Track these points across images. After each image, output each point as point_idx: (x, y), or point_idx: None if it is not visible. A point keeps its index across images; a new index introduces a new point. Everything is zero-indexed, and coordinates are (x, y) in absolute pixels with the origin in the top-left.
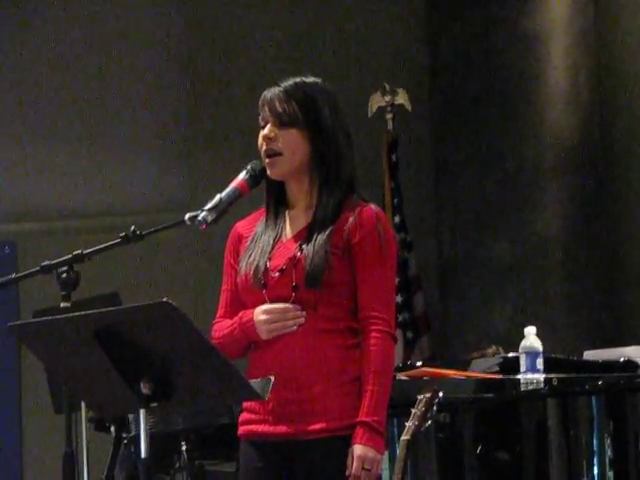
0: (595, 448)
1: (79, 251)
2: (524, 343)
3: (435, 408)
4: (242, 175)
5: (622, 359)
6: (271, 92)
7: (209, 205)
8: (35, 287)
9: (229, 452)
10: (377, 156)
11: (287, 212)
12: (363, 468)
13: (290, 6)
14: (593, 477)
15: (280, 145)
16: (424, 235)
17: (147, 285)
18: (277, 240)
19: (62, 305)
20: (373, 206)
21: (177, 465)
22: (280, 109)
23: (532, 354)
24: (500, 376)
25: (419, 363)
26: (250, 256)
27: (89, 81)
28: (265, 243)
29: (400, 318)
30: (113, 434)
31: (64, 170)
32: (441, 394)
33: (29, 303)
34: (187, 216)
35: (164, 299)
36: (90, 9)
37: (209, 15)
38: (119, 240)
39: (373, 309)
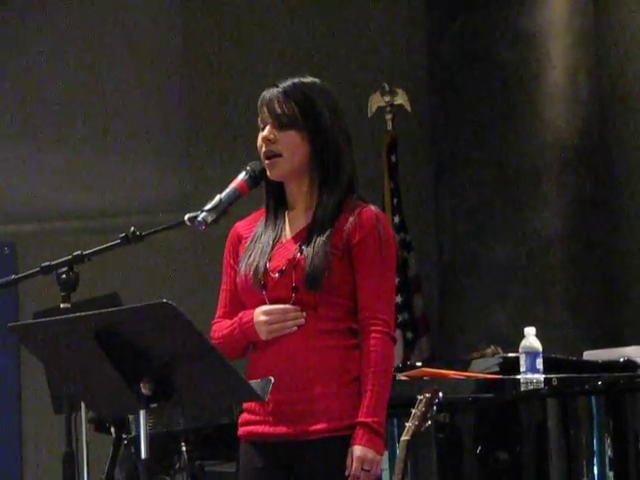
0: (595, 448)
1: (79, 252)
2: (524, 343)
3: (435, 408)
4: (242, 176)
5: (622, 359)
6: (270, 93)
7: (209, 206)
8: (35, 288)
9: (229, 452)
10: (377, 156)
11: (286, 213)
12: (362, 469)
13: (290, 7)
14: (593, 477)
15: (279, 147)
16: (424, 235)
17: (147, 286)
18: (277, 241)
19: (62, 306)
20: (373, 207)
21: (177, 466)
22: (279, 110)
23: (532, 354)
24: (500, 376)
25: (419, 363)
26: (250, 257)
27: (89, 82)
28: (265, 244)
29: (400, 318)
30: (113, 435)
31: (64, 171)
32: (441, 394)
33: (29, 304)
34: (187, 217)
35: (164, 300)
36: (91, 10)
37: (209, 16)
38: (119, 241)
39: (373, 310)
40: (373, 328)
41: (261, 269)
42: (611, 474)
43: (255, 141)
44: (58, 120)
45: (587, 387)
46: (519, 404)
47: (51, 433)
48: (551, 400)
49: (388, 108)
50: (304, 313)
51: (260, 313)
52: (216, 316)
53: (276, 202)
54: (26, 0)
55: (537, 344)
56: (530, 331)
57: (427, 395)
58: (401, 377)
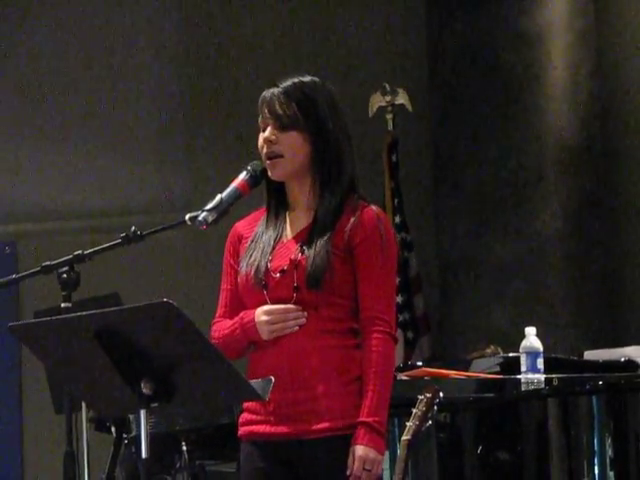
0: (596, 448)
1: (80, 251)
2: (524, 343)
3: (436, 408)
4: (242, 175)
5: (622, 359)
6: (270, 93)
7: (210, 205)
8: (36, 287)
9: (229, 452)
10: (377, 156)
11: (287, 213)
12: (364, 468)
13: (290, 6)
14: (594, 477)
15: (281, 147)
16: (424, 235)
17: (148, 285)
18: (278, 241)
19: (63, 305)
20: (374, 207)
21: (178, 465)
22: (280, 111)
23: (533, 354)
24: (501, 376)
25: (419, 363)
26: (251, 256)
27: (89, 82)
28: (266, 244)
29: (401, 318)
30: (114, 434)
31: (65, 171)
32: (442, 394)
33: (30, 303)
34: (188, 216)
35: (164, 299)
36: (92, 11)
37: (210, 16)
38: (120, 240)
39: (374, 310)
40: (374, 328)
41: (262, 269)
42: (612, 474)
43: (256, 141)
44: (59, 120)
45: (588, 387)
46: (520, 404)
47: (52, 433)
48: (552, 400)
49: (389, 108)
50: (305, 313)
51: (261, 313)
52: (216, 316)
53: (277, 202)
54: None
55: (538, 344)
56: (531, 331)
57: (428, 395)
58: (402, 377)
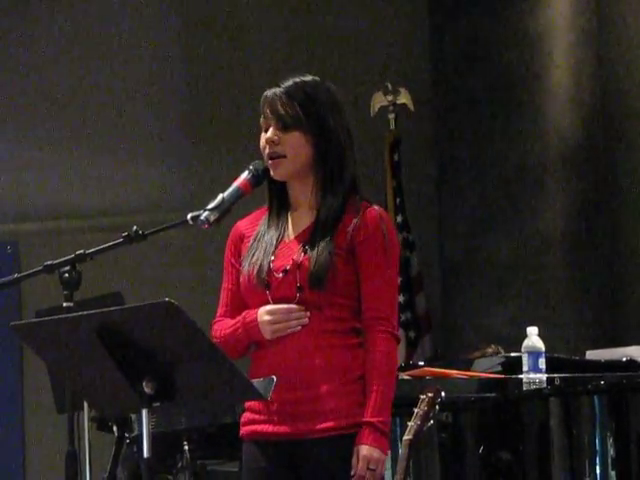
0: (597, 448)
1: (82, 251)
2: (526, 343)
3: (437, 408)
4: (244, 175)
5: (624, 359)
6: (272, 93)
7: (212, 205)
8: (38, 287)
9: (231, 452)
10: (379, 156)
11: (289, 212)
12: (368, 468)
13: (292, 6)
14: (595, 477)
15: (283, 148)
16: (426, 235)
17: (150, 285)
18: (280, 240)
19: (65, 305)
20: (376, 207)
21: (179, 465)
22: (282, 111)
23: (534, 354)
24: (503, 376)
25: (421, 363)
26: (253, 256)
27: (92, 81)
28: (268, 243)
29: (402, 318)
30: (115, 434)
31: (67, 170)
32: (443, 394)
33: (32, 303)
34: (190, 216)
35: (166, 299)
36: (95, 12)
37: (211, 16)
38: (122, 240)
39: (377, 310)
40: (377, 328)
41: (265, 268)
42: (613, 474)
43: (258, 140)
44: (61, 120)
45: (590, 387)
46: (522, 404)
47: (53, 432)
48: (554, 400)
49: (391, 107)
50: (308, 313)
51: (264, 313)
52: (217, 315)
53: (279, 201)
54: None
55: (540, 344)
56: (533, 331)
57: (429, 394)
58: (404, 376)
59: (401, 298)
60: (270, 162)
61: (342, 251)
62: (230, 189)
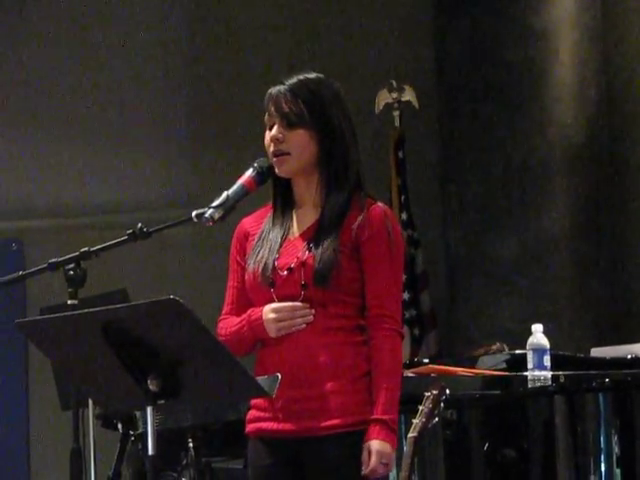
0: (602, 445)
1: (86, 248)
2: (531, 340)
3: (442, 405)
4: (249, 172)
5: (629, 356)
6: (276, 90)
7: (216, 202)
8: (42, 284)
9: (236, 449)
10: (384, 153)
11: (294, 210)
12: (380, 462)
13: (296, 4)
14: (600, 474)
15: (288, 145)
16: (431, 232)
17: (154, 282)
18: (285, 238)
19: (69, 302)
20: (381, 204)
21: (184, 462)
22: (287, 109)
23: (539, 351)
24: (507, 373)
25: (426, 360)
26: (258, 254)
27: (96, 79)
28: (273, 241)
29: (407, 315)
30: (120, 431)
31: (71, 167)
32: (448, 391)
33: (36, 300)
34: (194, 213)
35: (171, 296)
36: (98, 8)
37: (214, 12)
38: (126, 237)
39: (381, 307)
40: (382, 325)
41: (269, 266)
42: (618, 471)
43: (262, 138)
44: (65, 117)
45: (594, 384)
46: (526, 401)
47: (58, 429)
48: (558, 397)
49: (396, 105)
50: (313, 310)
51: (269, 311)
52: (222, 313)
53: (283, 199)
54: None
55: (545, 341)
56: (538, 328)
57: (434, 392)
58: (408, 374)
59: (406, 295)
60: (275, 159)
61: (346, 249)
62: (235, 187)
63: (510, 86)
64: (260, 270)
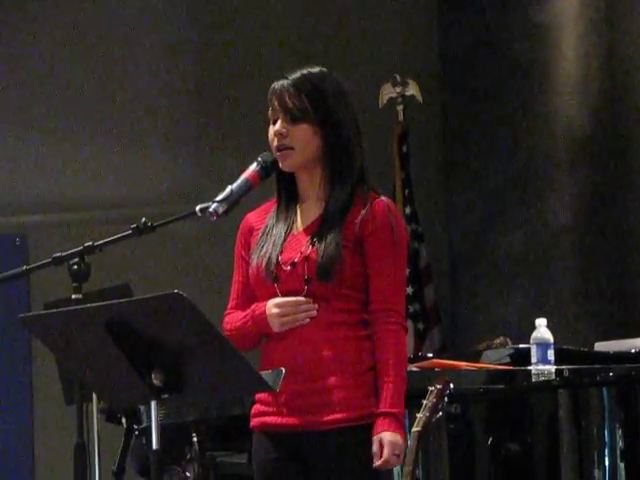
0: (606, 439)
1: (90, 243)
2: (535, 334)
3: (446, 399)
4: (253, 167)
5: (633, 350)
6: (279, 85)
7: (220, 196)
8: (46, 279)
9: (240, 443)
10: (388, 147)
11: (298, 204)
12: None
13: None
14: (604, 468)
15: (291, 140)
16: (435, 226)
17: (158, 276)
18: (289, 233)
19: (73, 297)
20: (384, 198)
21: (188, 456)
22: (290, 104)
23: (543, 345)
24: (511, 367)
25: (430, 354)
26: (262, 249)
27: (99, 73)
28: (277, 236)
29: (411, 309)
30: (124, 425)
31: (75, 162)
32: (452, 385)
33: (40, 295)
34: (198, 207)
35: (175, 290)
36: (104, 2)
37: (219, 6)
38: (130, 232)
39: (385, 301)
40: (386, 319)
41: (273, 261)
42: (622, 465)
43: (266, 132)
44: (69, 112)
45: (598, 378)
46: (530, 395)
47: (62, 424)
48: (562, 391)
49: (399, 99)
50: (316, 305)
51: (272, 305)
52: (228, 307)
53: (287, 193)
54: None
55: (548, 335)
56: (541, 322)
57: (438, 386)
58: (412, 368)
59: (410, 290)
60: (278, 154)
61: (350, 243)
62: (238, 181)
63: (514, 80)
64: (264, 265)
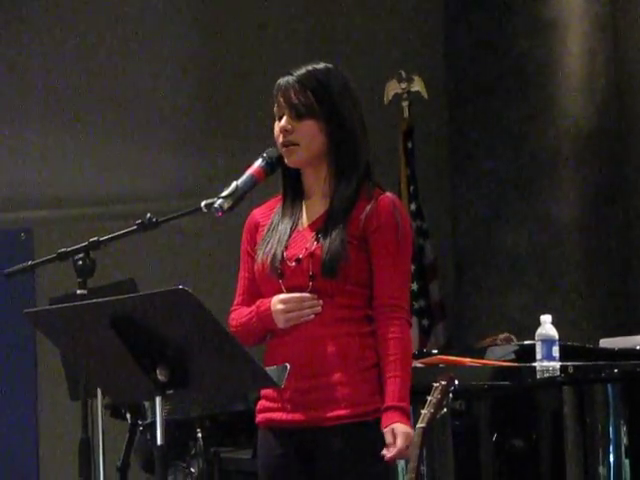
0: (611, 436)
1: (95, 238)
2: (540, 331)
3: (451, 396)
4: (258, 162)
5: (638, 347)
6: (285, 81)
7: (225, 192)
8: (51, 274)
9: (244, 439)
10: (393, 143)
11: (303, 200)
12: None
13: None
14: (609, 465)
15: (297, 136)
16: (440, 223)
17: (163, 272)
18: (294, 229)
19: (78, 292)
20: (389, 194)
21: (193, 452)
22: (296, 100)
23: (548, 342)
24: (516, 364)
25: (435, 351)
26: (267, 245)
27: (106, 68)
28: (282, 232)
29: (416, 306)
30: (129, 421)
31: (81, 158)
32: (457, 382)
33: (45, 290)
34: (203, 203)
35: (180, 286)
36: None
37: (226, 3)
38: (135, 227)
39: (390, 297)
40: (391, 315)
41: (278, 257)
42: (627, 462)
43: (271, 128)
44: (74, 107)
45: (603, 375)
46: (535, 392)
47: (67, 419)
48: (567, 388)
49: (405, 95)
50: (321, 301)
51: (277, 302)
52: (234, 303)
53: (293, 189)
54: None
55: (553, 332)
56: (546, 319)
57: (443, 382)
58: (417, 364)
59: (415, 286)
60: (284, 150)
61: (355, 239)
62: (244, 177)
63: (519, 76)
64: (269, 261)
